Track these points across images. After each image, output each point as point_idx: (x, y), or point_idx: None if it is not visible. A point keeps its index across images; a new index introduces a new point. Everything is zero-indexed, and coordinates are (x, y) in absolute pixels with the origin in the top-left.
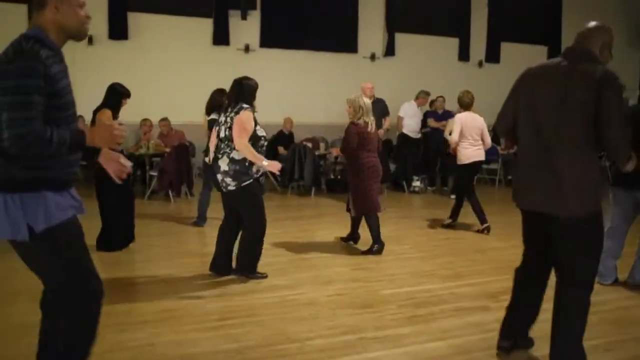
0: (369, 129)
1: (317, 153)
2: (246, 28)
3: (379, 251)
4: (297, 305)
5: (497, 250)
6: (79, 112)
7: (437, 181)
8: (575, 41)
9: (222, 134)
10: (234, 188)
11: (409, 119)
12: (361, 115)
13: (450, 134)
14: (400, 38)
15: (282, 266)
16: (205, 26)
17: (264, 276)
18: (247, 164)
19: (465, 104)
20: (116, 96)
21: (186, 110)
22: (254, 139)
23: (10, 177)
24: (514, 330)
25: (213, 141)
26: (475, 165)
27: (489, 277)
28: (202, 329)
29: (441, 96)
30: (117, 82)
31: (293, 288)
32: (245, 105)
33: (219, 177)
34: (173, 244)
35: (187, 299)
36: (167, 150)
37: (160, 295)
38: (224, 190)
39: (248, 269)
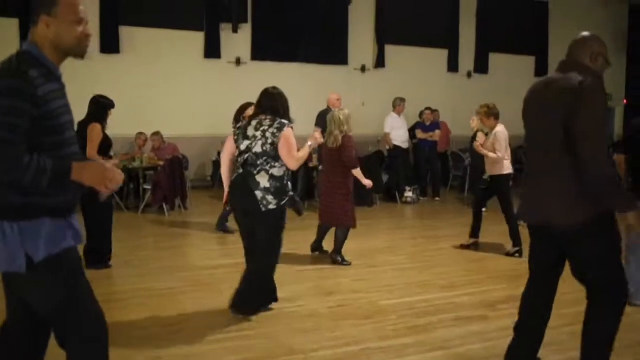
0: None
1: (310, 165)
2: (237, 41)
3: (335, 262)
4: (298, 317)
5: (493, 260)
6: None
7: (429, 192)
8: (566, 54)
9: (257, 149)
10: (274, 207)
11: (396, 131)
12: (329, 131)
13: (481, 148)
14: (391, 50)
15: (279, 278)
16: (196, 39)
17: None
18: (285, 181)
19: (498, 115)
20: (101, 108)
21: (179, 123)
22: None
23: (7, 203)
24: (523, 356)
25: (229, 152)
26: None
27: (486, 287)
28: (206, 342)
29: (429, 108)
30: (99, 94)
31: (293, 300)
32: (285, 122)
33: (259, 194)
34: (170, 257)
35: (189, 312)
36: (161, 163)
37: (162, 309)
38: (264, 209)
39: (251, 309)
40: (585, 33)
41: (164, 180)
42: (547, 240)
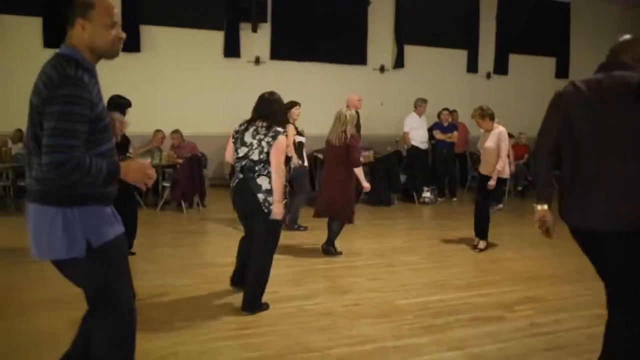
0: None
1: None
2: (257, 40)
3: (326, 252)
4: (315, 315)
5: (510, 260)
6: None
7: (446, 192)
8: (607, 56)
9: (254, 157)
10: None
11: (415, 131)
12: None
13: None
14: (410, 50)
15: (296, 276)
16: (216, 38)
17: (268, 306)
18: (285, 183)
19: (493, 115)
20: (119, 108)
21: (198, 121)
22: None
23: (66, 193)
24: None
25: (231, 155)
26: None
27: (503, 288)
28: (222, 339)
29: (446, 109)
30: (117, 94)
31: (309, 298)
32: (279, 130)
33: (261, 196)
34: (187, 254)
35: (206, 309)
36: (180, 161)
37: (180, 305)
38: (266, 210)
39: (256, 305)
40: (627, 36)
41: (183, 178)
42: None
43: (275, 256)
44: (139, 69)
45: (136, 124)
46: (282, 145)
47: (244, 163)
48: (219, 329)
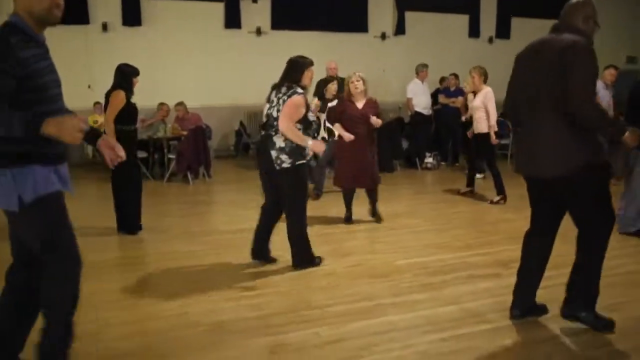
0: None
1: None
2: (257, 11)
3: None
4: (317, 277)
5: (508, 222)
6: (96, 100)
7: (449, 157)
8: (559, 17)
9: (274, 113)
10: (288, 165)
11: (418, 97)
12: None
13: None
14: (410, 16)
15: None
16: (216, 10)
17: (321, 260)
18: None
19: (487, 76)
20: (126, 76)
21: (201, 94)
22: (306, 124)
23: (2, 152)
24: (525, 296)
25: None
26: None
27: (500, 247)
28: (228, 299)
29: (453, 74)
30: (123, 62)
31: None
32: (298, 90)
33: (274, 153)
34: (194, 223)
35: (212, 272)
36: (184, 133)
37: (187, 269)
38: (278, 167)
39: (308, 260)
40: None
41: (188, 150)
42: (541, 189)
43: (280, 222)
44: (140, 43)
45: (139, 97)
46: (293, 101)
47: (266, 120)
48: (225, 291)
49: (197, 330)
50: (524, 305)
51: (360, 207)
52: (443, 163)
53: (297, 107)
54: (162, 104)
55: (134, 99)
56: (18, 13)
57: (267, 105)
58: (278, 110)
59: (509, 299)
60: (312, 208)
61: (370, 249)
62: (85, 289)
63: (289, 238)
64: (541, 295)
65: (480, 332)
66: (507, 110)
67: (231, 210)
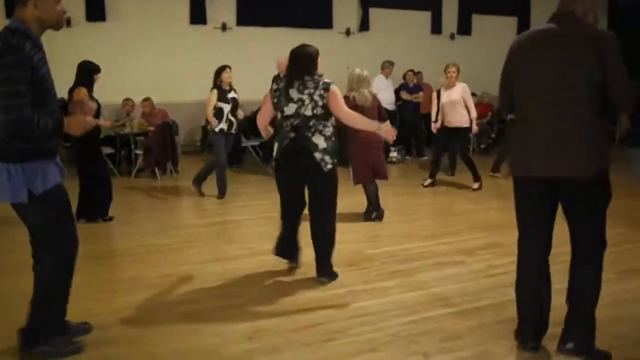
0: (357, 103)
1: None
2: (223, 6)
3: (379, 217)
4: (288, 267)
5: (471, 212)
6: (59, 95)
7: (413, 152)
8: (558, 6)
9: (308, 113)
10: (332, 166)
11: (382, 93)
12: (349, 89)
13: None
14: (375, 13)
15: (272, 234)
16: (181, 6)
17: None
18: (335, 139)
19: None
20: (87, 73)
21: (167, 89)
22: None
23: (12, 150)
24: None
25: (267, 117)
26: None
27: (465, 236)
28: (201, 290)
29: (411, 70)
30: (85, 59)
31: None
32: (328, 81)
33: (318, 155)
34: (164, 217)
35: (185, 264)
36: (151, 129)
37: (160, 262)
38: (325, 169)
39: (332, 271)
40: None
41: (155, 145)
42: (545, 191)
43: (248, 215)
44: (105, 39)
45: (104, 93)
46: (337, 93)
47: (294, 121)
48: (198, 283)
49: (176, 319)
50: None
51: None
52: (408, 157)
53: (340, 94)
54: (127, 99)
55: (99, 96)
56: (22, 20)
57: (291, 106)
58: (314, 108)
59: (471, 284)
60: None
61: (340, 239)
62: None
63: (321, 238)
64: (506, 280)
65: (447, 314)
66: (503, 104)
67: (200, 204)
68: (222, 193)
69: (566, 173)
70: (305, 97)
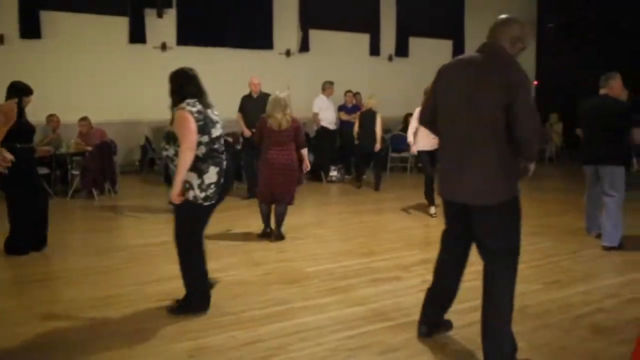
0: (268, 125)
1: (237, 147)
2: (163, 26)
3: (264, 236)
4: (229, 285)
5: (408, 229)
6: None
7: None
8: (487, 36)
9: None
10: None
11: (324, 112)
12: (268, 112)
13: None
14: (314, 34)
15: (211, 252)
16: (121, 24)
17: None
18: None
19: None
20: (18, 94)
21: (106, 109)
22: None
23: None
24: (434, 314)
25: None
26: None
27: (401, 253)
28: (144, 309)
29: (349, 90)
30: (17, 80)
31: (224, 271)
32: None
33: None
34: (103, 238)
35: (128, 285)
36: (89, 149)
37: (101, 283)
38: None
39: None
40: (507, 16)
41: (93, 165)
42: (458, 213)
43: None
44: (40, 56)
45: (39, 112)
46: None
47: (223, 142)
48: (141, 301)
49: (117, 339)
50: (431, 322)
51: (271, 218)
52: (347, 176)
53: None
54: (51, 115)
55: (33, 116)
56: None
57: (215, 126)
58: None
59: (408, 299)
60: (220, 223)
61: (279, 258)
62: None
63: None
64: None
65: (384, 328)
66: (426, 123)
67: (140, 224)
68: None
69: (470, 200)
70: (218, 118)
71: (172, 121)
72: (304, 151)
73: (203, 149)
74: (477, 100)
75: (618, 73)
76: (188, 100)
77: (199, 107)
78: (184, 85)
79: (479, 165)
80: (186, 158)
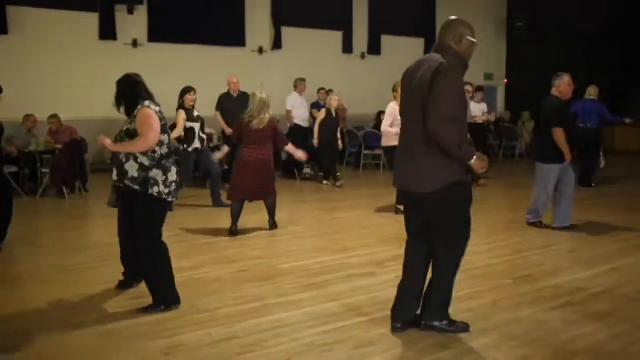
0: (252, 125)
1: (211, 145)
2: (133, 22)
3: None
4: (203, 283)
5: (381, 226)
6: None
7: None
8: (437, 37)
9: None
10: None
11: (297, 110)
12: (251, 115)
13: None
14: (287, 32)
15: (184, 250)
16: (91, 21)
17: None
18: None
19: None
20: None
21: (75, 106)
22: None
23: None
24: (406, 309)
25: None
26: None
27: (375, 249)
28: (119, 307)
29: (322, 88)
30: None
31: (198, 269)
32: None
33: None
34: (75, 237)
35: (99, 284)
36: (59, 147)
37: (73, 283)
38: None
39: None
40: (452, 17)
41: (63, 163)
42: (413, 203)
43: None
44: (6, 53)
45: (7, 110)
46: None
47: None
48: (116, 299)
49: (91, 338)
50: (406, 318)
51: (245, 216)
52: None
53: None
54: (28, 115)
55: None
56: None
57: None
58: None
59: (383, 294)
60: (193, 221)
61: (254, 255)
62: None
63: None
64: None
65: (359, 323)
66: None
67: (111, 223)
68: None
69: (413, 188)
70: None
71: (130, 122)
72: (290, 147)
73: (165, 148)
74: (414, 97)
75: (566, 74)
76: (147, 102)
77: (159, 107)
78: (134, 90)
79: (412, 159)
80: (137, 147)
